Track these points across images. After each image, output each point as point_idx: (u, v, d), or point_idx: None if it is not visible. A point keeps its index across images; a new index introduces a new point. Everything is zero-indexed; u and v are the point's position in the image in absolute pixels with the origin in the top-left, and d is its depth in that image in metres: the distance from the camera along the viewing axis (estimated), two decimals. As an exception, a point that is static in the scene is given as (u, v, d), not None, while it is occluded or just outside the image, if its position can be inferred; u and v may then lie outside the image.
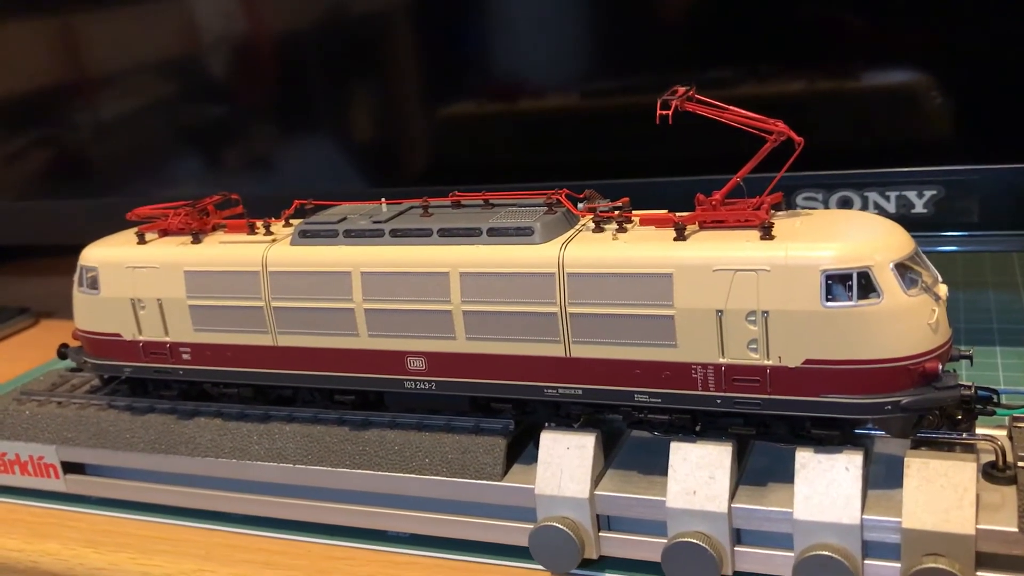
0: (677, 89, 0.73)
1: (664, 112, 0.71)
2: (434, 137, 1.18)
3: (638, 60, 1.05)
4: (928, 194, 0.95)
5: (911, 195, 0.96)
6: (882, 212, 0.96)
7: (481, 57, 1.13)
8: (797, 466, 0.68)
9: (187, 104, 1.29)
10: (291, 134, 1.24)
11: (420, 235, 0.78)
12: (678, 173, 0.97)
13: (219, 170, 1.30)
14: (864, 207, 0.97)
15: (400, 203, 0.85)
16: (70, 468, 0.94)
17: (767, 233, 0.68)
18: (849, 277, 0.65)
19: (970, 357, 0.71)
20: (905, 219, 0.94)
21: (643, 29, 1.04)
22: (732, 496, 0.70)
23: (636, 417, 0.74)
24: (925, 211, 0.95)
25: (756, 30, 0.99)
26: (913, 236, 0.70)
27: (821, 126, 1.00)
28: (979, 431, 0.70)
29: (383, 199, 0.86)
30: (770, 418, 0.70)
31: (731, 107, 0.71)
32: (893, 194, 0.96)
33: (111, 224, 0.97)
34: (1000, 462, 0.69)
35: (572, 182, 0.83)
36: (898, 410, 0.66)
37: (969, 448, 0.69)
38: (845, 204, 0.97)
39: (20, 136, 1.43)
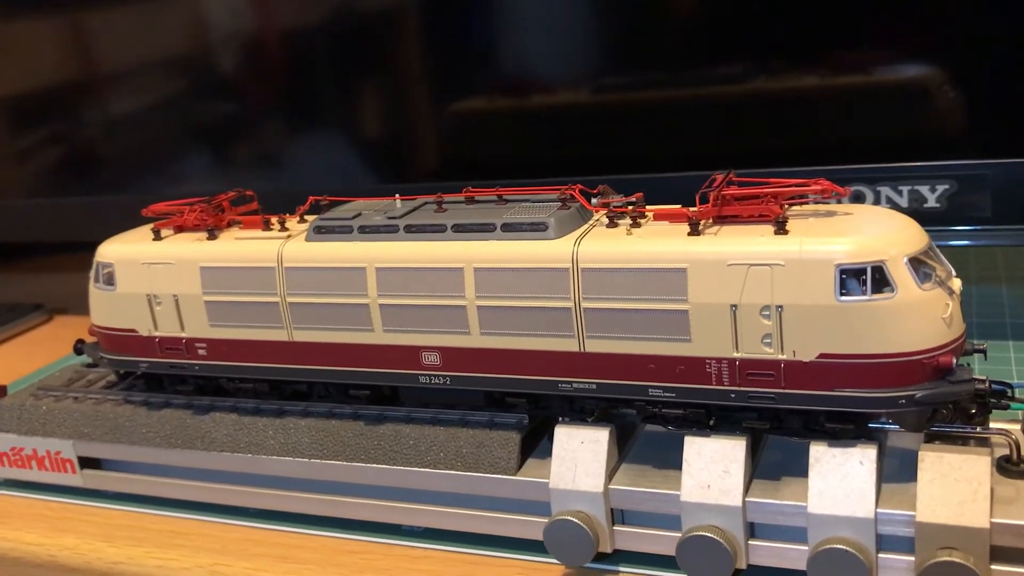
0: (715, 177, 0.72)
1: (703, 205, 0.71)
2: (447, 133, 1.18)
3: (650, 55, 1.05)
4: (941, 188, 0.95)
5: (923, 189, 0.95)
6: (895, 207, 0.96)
7: (492, 53, 1.13)
8: (811, 460, 0.68)
9: (199, 101, 1.29)
10: (304, 131, 1.24)
11: (434, 231, 0.78)
12: (692, 168, 0.97)
13: (232, 167, 1.31)
14: (877, 202, 0.97)
15: (414, 199, 0.85)
16: (87, 463, 0.94)
17: (781, 228, 0.68)
18: (863, 271, 0.65)
19: (984, 351, 0.71)
20: (918, 213, 0.93)
21: (654, 24, 1.04)
22: (746, 490, 0.70)
23: (650, 411, 0.74)
24: (937, 205, 0.95)
25: (767, 25, 0.99)
26: (926, 230, 0.70)
27: (833, 121, 1.00)
28: (993, 425, 0.70)
29: (397, 195, 0.86)
30: (784, 412, 0.70)
31: (771, 180, 0.71)
32: (906, 188, 0.96)
33: (124, 221, 0.98)
34: (1014, 456, 0.69)
35: (585, 177, 0.83)
36: (912, 404, 0.66)
37: (983, 442, 0.69)
38: (858, 199, 0.97)
39: (33, 133, 1.44)
